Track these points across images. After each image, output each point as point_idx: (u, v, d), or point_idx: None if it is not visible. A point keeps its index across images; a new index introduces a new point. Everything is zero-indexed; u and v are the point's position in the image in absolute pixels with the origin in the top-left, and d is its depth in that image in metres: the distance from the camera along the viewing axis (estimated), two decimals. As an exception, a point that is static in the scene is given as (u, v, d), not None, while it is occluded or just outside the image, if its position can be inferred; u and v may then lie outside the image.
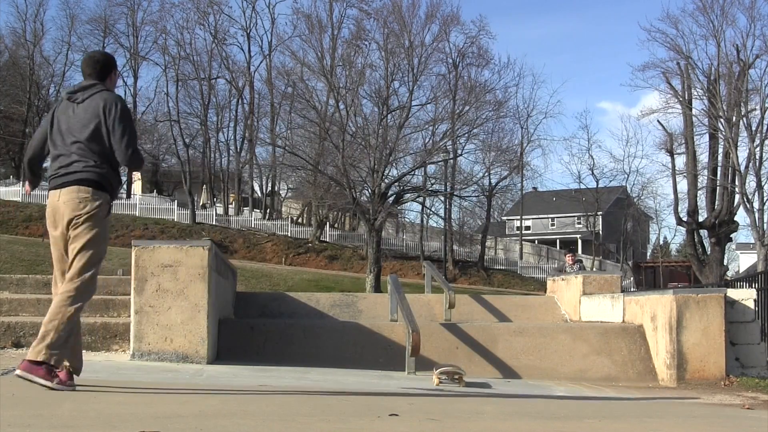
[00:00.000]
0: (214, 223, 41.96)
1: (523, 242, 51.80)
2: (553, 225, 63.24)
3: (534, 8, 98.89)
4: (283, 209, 51.98)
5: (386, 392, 5.19)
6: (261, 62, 45.83)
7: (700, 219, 33.91)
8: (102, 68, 4.46)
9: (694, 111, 34.13)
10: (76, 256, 4.16)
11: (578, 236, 58.48)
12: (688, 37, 34.26)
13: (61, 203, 4.20)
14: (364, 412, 3.79)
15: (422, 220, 45.28)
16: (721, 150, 33.19)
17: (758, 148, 32.27)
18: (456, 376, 6.11)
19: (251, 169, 47.35)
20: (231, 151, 47.32)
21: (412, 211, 47.60)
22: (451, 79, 34.17)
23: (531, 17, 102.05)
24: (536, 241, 56.76)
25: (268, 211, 46.32)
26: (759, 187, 32.28)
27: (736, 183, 32.13)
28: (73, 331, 4.13)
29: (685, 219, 34.55)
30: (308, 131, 34.03)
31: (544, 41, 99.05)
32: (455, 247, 44.20)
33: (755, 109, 33.07)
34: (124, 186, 52.93)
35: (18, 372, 3.96)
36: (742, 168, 32.07)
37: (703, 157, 34.42)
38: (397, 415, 3.61)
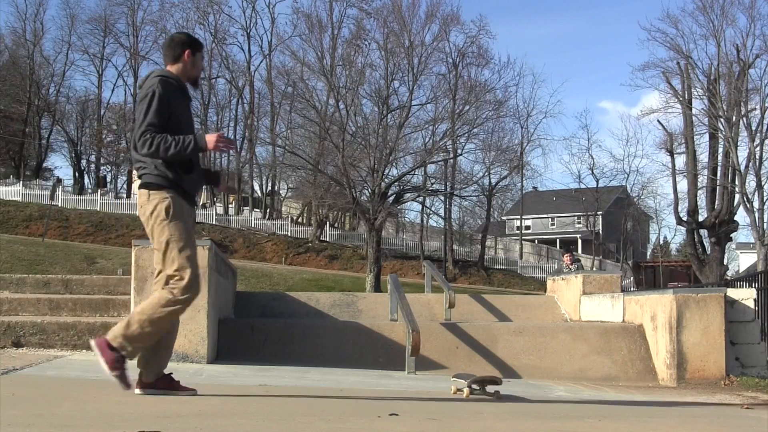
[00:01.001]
0: (214, 222, 41.97)
1: (523, 242, 51.81)
2: (553, 225, 63.24)
3: (534, 8, 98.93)
4: (283, 209, 51.99)
5: (386, 392, 5.19)
6: (261, 62, 45.93)
7: (700, 219, 33.91)
8: (174, 47, 4.11)
9: (694, 111, 34.14)
10: (162, 260, 3.96)
11: (578, 236, 58.48)
12: (688, 36, 34.31)
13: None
14: (364, 412, 3.79)
15: (422, 220, 45.31)
16: (721, 150, 33.20)
17: (758, 148, 32.28)
18: (490, 386, 4.77)
19: (251, 169, 47.36)
20: (231, 151, 47.29)
21: (412, 210, 47.65)
22: (451, 79, 34.18)
23: (531, 17, 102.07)
24: (536, 241, 56.78)
25: (268, 210, 46.33)
26: (759, 186, 32.31)
27: (736, 183, 32.14)
28: (158, 333, 3.96)
29: (685, 219, 34.55)
30: (308, 131, 34.03)
31: (544, 41, 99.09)
32: (455, 247, 44.21)
33: (755, 109, 33.12)
34: (125, 186, 52.98)
35: (92, 342, 3.91)
36: (742, 168, 32.09)
37: (703, 157, 34.46)
38: (397, 414, 3.61)
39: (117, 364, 3.88)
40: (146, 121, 3.89)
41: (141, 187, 4.01)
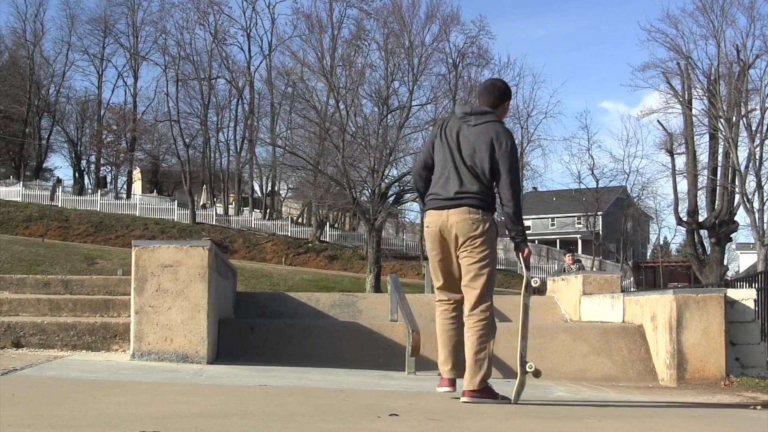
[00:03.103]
0: (214, 223, 41.97)
1: (523, 242, 51.72)
2: (553, 225, 63.24)
3: (534, 8, 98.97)
4: (283, 209, 51.99)
5: (386, 392, 5.19)
6: (261, 62, 45.99)
7: (700, 219, 33.93)
8: (499, 96, 4.59)
9: (694, 111, 34.17)
10: (476, 281, 4.46)
11: (578, 236, 58.48)
12: (688, 37, 34.35)
13: (452, 223, 4.38)
14: (364, 412, 3.79)
15: (422, 220, 45.28)
16: (721, 150, 33.23)
17: (758, 148, 32.30)
18: None
19: (251, 169, 47.37)
20: (231, 151, 47.39)
21: (412, 211, 47.66)
22: (451, 79, 34.17)
23: (531, 17, 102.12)
24: (536, 241, 56.74)
25: (268, 211, 46.34)
26: (759, 187, 32.32)
27: (736, 183, 32.16)
28: (491, 345, 4.50)
29: (685, 219, 34.57)
30: (308, 131, 34.05)
31: (544, 41, 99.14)
32: (455, 247, 44.15)
33: (755, 109, 33.15)
34: (125, 186, 52.99)
35: (464, 399, 4.30)
36: (742, 168, 32.11)
37: (703, 157, 34.50)
38: (397, 415, 3.62)
39: (491, 393, 4.40)
40: (518, 181, 4.50)
41: (474, 206, 4.38)
